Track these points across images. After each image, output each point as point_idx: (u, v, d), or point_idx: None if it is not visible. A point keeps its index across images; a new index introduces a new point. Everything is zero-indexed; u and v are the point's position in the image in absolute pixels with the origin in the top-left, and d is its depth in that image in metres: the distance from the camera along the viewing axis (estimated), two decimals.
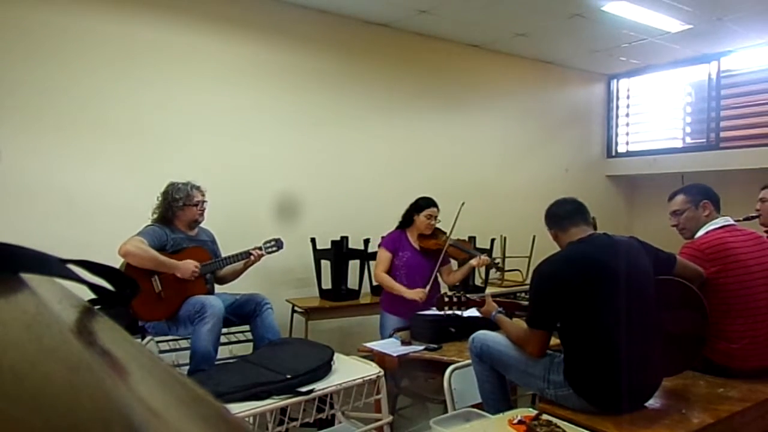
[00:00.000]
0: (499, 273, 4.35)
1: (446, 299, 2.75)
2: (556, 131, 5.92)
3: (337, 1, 4.13)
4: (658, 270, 2.21)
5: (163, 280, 2.86)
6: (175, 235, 3.00)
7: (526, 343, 2.16)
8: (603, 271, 2.04)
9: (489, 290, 4.23)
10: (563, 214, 2.26)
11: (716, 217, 2.59)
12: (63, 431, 0.22)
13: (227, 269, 3.19)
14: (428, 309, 3.28)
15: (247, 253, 3.13)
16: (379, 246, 3.52)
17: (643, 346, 2.05)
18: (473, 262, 3.40)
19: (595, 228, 2.28)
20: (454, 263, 3.61)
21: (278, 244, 3.27)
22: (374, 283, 3.93)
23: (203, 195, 3.09)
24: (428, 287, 3.27)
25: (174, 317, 2.89)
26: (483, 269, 4.65)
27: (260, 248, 3.19)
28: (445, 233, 3.46)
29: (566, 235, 2.21)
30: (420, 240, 3.45)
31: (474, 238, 4.47)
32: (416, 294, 3.24)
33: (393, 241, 3.45)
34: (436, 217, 3.41)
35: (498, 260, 4.09)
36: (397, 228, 3.51)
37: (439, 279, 3.51)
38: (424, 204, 3.41)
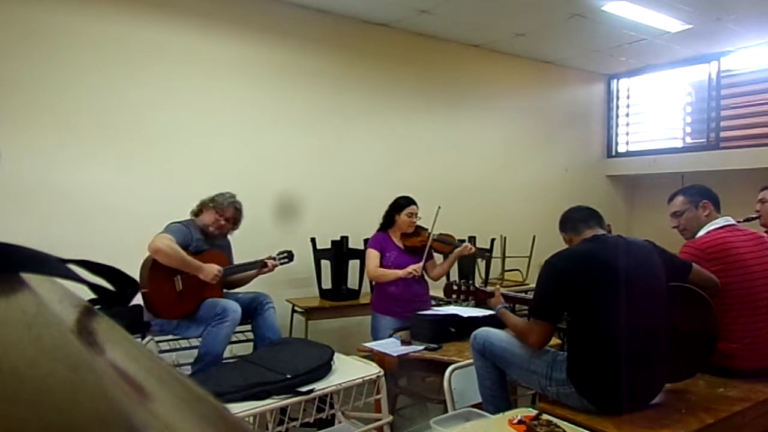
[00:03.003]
0: (503, 273, 4.34)
1: (455, 287, 2.75)
2: (556, 131, 5.92)
3: (337, 1, 4.13)
4: (672, 276, 2.20)
5: (185, 281, 2.89)
6: (198, 236, 3.03)
7: (528, 334, 2.15)
8: (611, 270, 2.03)
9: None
10: (579, 217, 2.26)
11: (716, 217, 2.59)
12: (63, 431, 0.22)
13: (242, 274, 3.22)
14: (423, 308, 3.29)
15: (263, 263, 3.19)
16: (367, 248, 3.53)
17: (648, 348, 2.04)
18: (458, 250, 3.42)
19: (609, 234, 2.28)
20: (438, 259, 3.62)
21: (290, 257, 3.37)
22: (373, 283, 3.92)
23: (233, 219, 3.10)
24: (422, 262, 3.30)
25: (190, 317, 2.92)
26: (483, 269, 4.67)
27: (274, 258, 3.26)
28: (426, 229, 3.48)
29: (580, 238, 2.21)
30: (403, 239, 3.47)
31: (474, 238, 4.47)
32: (409, 269, 3.26)
33: (379, 242, 3.47)
34: (416, 214, 3.43)
35: (481, 249, 4.07)
36: (379, 230, 3.53)
37: (425, 275, 3.51)
38: (404, 203, 3.43)
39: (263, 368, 2.37)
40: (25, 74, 3.24)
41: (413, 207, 3.43)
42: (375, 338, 3.26)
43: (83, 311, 0.45)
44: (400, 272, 3.29)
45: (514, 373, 2.28)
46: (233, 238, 3.31)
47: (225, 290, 3.23)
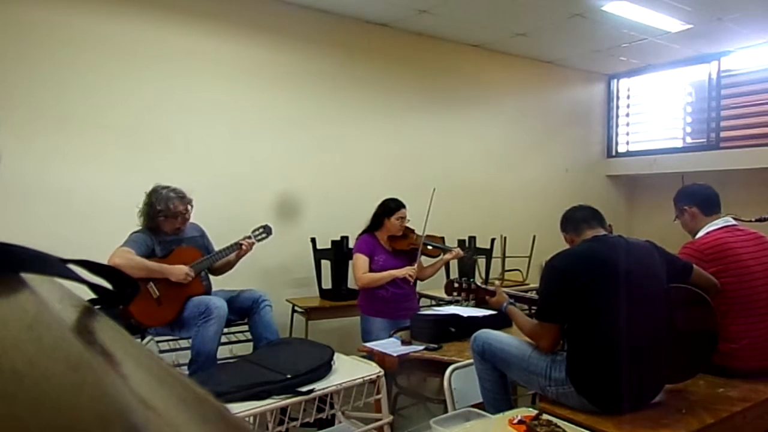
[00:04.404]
0: (503, 273, 4.34)
1: (455, 284, 2.74)
2: (556, 131, 5.92)
3: (337, 1, 4.13)
4: (673, 277, 2.20)
5: (160, 286, 2.86)
6: (162, 238, 2.98)
7: (539, 337, 2.16)
8: (611, 269, 2.03)
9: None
10: (580, 217, 2.26)
11: (706, 220, 2.58)
12: (63, 431, 0.22)
13: (221, 261, 3.18)
14: (411, 306, 3.28)
15: (238, 245, 3.13)
16: (354, 252, 3.43)
17: (648, 348, 2.04)
18: (447, 255, 3.42)
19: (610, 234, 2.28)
20: (426, 260, 3.59)
21: (266, 230, 3.26)
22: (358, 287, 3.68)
23: (186, 204, 2.99)
24: (417, 263, 3.28)
25: (177, 320, 2.89)
26: (483, 268, 4.66)
27: (249, 237, 3.19)
28: (414, 231, 3.45)
29: (581, 238, 2.21)
30: (392, 241, 3.41)
31: (474, 237, 4.47)
32: (407, 270, 3.22)
33: (367, 246, 3.39)
34: (405, 217, 3.39)
35: (470, 252, 4.07)
36: (366, 232, 3.46)
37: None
38: (394, 206, 3.37)
39: (263, 368, 2.37)
40: (23, 74, 3.24)
41: (403, 210, 3.37)
42: (366, 340, 3.21)
43: (83, 311, 0.45)
44: (396, 272, 3.24)
45: (514, 374, 2.28)
46: (233, 238, 3.30)
47: (214, 281, 3.21)
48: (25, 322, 0.35)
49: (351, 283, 4.11)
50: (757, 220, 2.90)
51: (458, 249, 3.47)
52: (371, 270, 3.35)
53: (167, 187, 2.99)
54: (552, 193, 5.59)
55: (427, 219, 3.38)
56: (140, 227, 2.99)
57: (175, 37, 3.73)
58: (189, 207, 3.03)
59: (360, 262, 3.36)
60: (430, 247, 3.46)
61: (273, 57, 4.12)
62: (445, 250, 3.44)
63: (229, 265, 3.23)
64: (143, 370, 0.37)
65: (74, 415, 0.23)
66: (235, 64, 3.96)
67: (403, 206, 3.39)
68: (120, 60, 3.53)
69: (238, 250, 3.13)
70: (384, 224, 3.39)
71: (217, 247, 3.18)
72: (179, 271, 2.88)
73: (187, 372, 2.81)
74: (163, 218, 2.96)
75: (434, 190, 3.36)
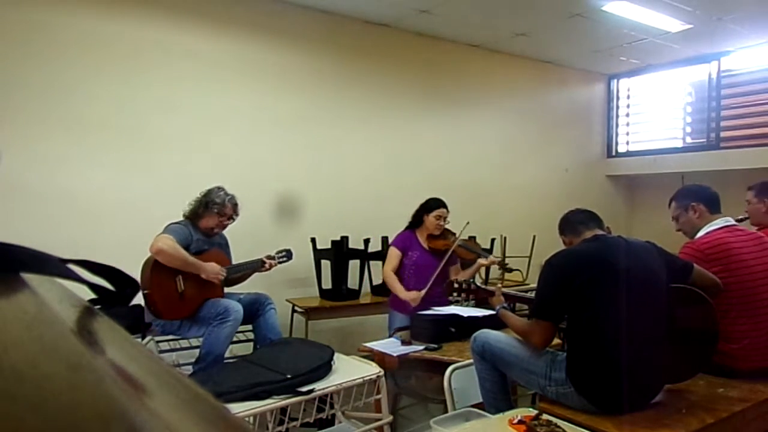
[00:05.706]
0: (504, 273, 4.36)
1: (455, 284, 2.76)
2: (556, 131, 5.92)
3: (337, 1, 4.13)
4: (673, 277, 2.20)
5: (186, 281, 2.90)
6: (198, 236, 3.04)
7: (531, 334, 2.15)
8: (611, 269, 2.03)
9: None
10: (578, 220, 2.27)
11: (711, 218, 2.58)
12: (63, 431, 0.22)
13: (241, 273, 3.24)
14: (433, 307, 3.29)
15: (262, 262, 3.21)
16: (390, 245, 3.58)
17: (648, 348, 2.04)
18: (482, 261, 3.44)
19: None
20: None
21: (288, 255, 3.38)
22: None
23: (233, 213, 3.11)
24: (428, 287, 3.28)
25: (191, 317, 2.93)
26: (483, 269, 4.66)
27: (273, 257, 3.27)
28: (454, 234, 3.50)
29: (579, 239, 2.22)
30: (429, 240, 3.49)
31: (474, 237, 4.46)
32: (410, 296, 3.28)
33: (403, 241, 3.50)
34: (445, 218, 3.45)
35: (506, 261, 4.12)
36: (407, 228, 3.56)
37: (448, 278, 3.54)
38: (434, 205, 3.46)
39: (263, 368, 2.37)
40: (27, 75, 3.24)
41: (442, 210, 3.44)
42: (391, 335, 3.27)
43: (83, 311, 0.45)
44: (401, 293, 3.32)
45: (514, 374, 2.28)
46: (232, 237, 3.31)
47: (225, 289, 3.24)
48: (25, 322, 0.35)
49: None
50: (737, 221, 2.89)
51: (493, 256, 3.50)
52: (404, 264, 3.45)
53: (231, 194, 3.12)
54: (552, 193, 5.59)
55: (456, 239, 3.42)
56: (183, 218, 3.05)
57: (177, 39, 3.73)
58: (232, 220, 3.13)
59: (391, 255, 3.49)
60: (464, 251, 3.50)
61: (273, 57, 4.12)
62: (480, 256, 3.47)
63: (243, 278, 3.28)
64: (143, 370, 0.37)
65: (74, 415, 0.23)
66: (236, 64, 3.96)
67: (444, 206, 3.46)
68: (122, 62, 3.53)
69: (260, 267, 3.21)
70: (423, 222, 3.47)
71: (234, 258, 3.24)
72: (212, 268, 2.94)
73: (189, 370, 2.83)
74: (214, 212, 3.04)
75: (467, 223, 3.40)
